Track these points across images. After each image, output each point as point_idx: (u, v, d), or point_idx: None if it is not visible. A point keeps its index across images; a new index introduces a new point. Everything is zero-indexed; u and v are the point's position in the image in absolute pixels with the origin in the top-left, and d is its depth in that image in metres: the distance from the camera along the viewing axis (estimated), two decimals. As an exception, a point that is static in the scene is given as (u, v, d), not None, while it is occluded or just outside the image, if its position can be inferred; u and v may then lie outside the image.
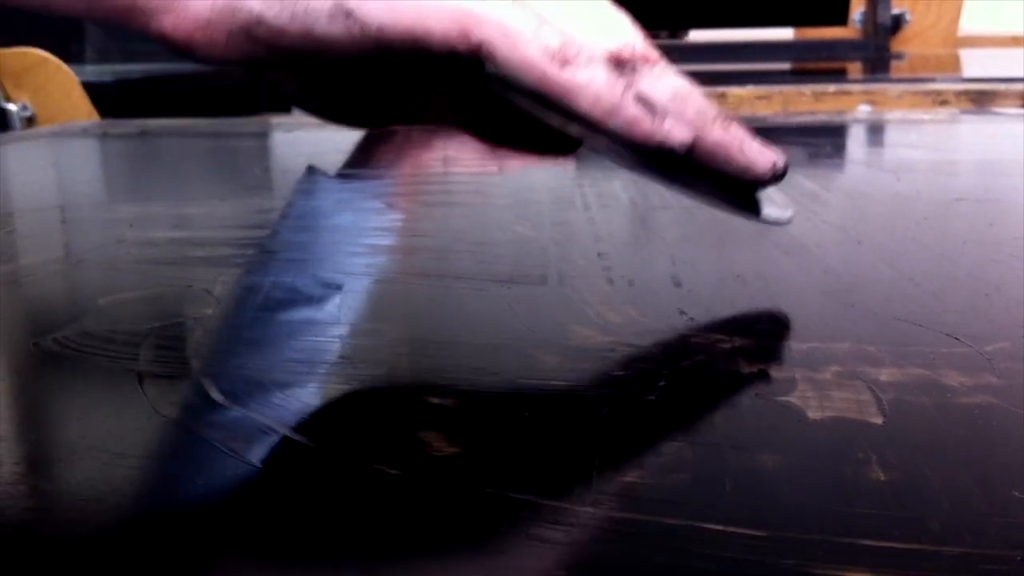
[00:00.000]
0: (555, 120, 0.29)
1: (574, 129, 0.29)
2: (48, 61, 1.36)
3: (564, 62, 0.28)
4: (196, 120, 0.90)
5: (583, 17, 0.30)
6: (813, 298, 0.31)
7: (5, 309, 0.33)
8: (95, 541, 0.18)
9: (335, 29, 0.27)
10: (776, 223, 0.32)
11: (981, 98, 0.98)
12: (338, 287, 0.34)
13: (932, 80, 1.06)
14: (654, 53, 0.30)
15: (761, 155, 0.30)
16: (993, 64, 1.49)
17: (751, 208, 0.31)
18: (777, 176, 0.30)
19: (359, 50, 0.28)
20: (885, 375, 0.24)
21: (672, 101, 0.29)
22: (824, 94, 0.99)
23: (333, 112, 0.33)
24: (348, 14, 0.27)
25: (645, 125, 0.29)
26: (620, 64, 0.29)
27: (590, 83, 0.28)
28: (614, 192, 0.50)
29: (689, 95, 0.30)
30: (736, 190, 0.31)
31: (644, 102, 0.29)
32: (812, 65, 1.53)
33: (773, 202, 0.32)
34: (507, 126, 0.32)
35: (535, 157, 0.34)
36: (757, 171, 0.30)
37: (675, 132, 0.29)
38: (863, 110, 0.97)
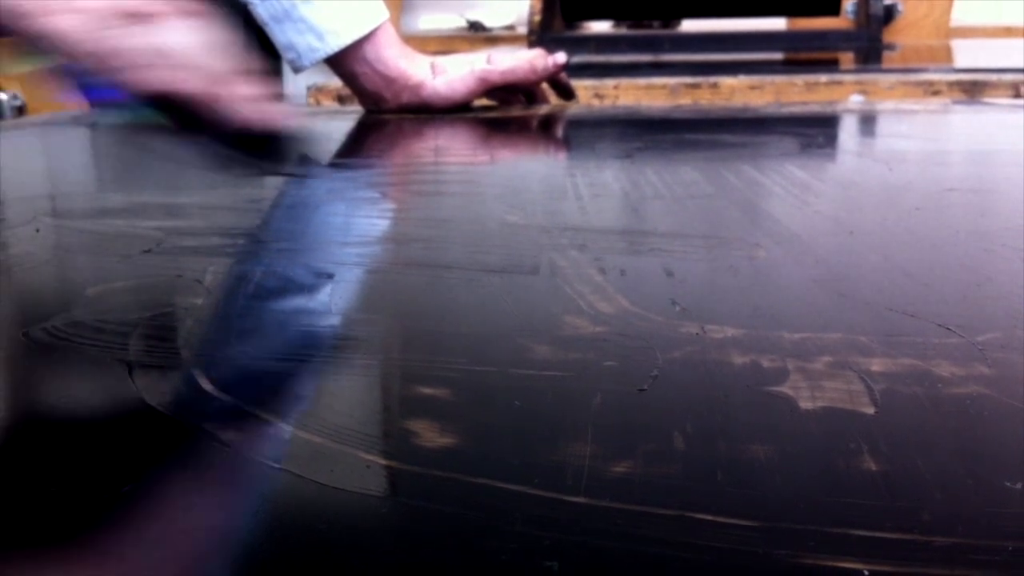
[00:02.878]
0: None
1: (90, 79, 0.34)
2: (38, 50, 1.35)
3: (44, 12, 0.33)
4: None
5: None
6: (805, 288, 0.31)
7: (-6, 299, 0.33)
8: (85, 533, 0.18)
9: None
10: (296, 175, 0.35)
11: (973, 88, 0.98)
12: (329, 277, 0.34)
13: (924, 70, 1.06)
14: (163, 10, 0.35)
15: (255, 111, 0.34)
16: (985, 55, 1.49)
17: (267, 161, 0.35)
18: (278, 134, 0.35)
19: None
20: (877, 365, 0.24)
21: (179, 54, 0.34)
22: (816, 84, 0.99)
23: None
24: None
25: (131, 72, 0.33)
26: (129, 17, 0.33)
27: (71, 28, 0.33)
28: (606, 182, 0.50)
29: (201, 52, 0.35)
30: (253, 145, 0.34)
31: (148, 52, 0.33)
32: (804, 55, 1.53)
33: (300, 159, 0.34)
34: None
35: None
36: (250, 123, 0.34)
37: (167, 79, 0.33)
38: (855, 100, 0.97)
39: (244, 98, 0.34)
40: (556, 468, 0.19)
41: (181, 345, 0.27)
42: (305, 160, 0.35)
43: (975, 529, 0.17)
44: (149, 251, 0.37)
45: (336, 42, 0.78)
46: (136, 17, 0.34)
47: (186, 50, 0.34)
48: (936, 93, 0.98)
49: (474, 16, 2.59)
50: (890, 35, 1.75)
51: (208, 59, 0.34)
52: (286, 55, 0.80)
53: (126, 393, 0.24)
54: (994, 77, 0.98)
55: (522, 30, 1.89)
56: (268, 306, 0.31)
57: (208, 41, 0.35)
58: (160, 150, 0.36)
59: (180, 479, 0.20)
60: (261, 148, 0.34)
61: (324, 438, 0.21)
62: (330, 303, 0.31)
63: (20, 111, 1.35)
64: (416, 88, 0.81)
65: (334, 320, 0.29)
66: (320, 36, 0.78)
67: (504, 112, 0.84)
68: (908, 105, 0.84)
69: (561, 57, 0.86)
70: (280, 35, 0.79)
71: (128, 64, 0.33)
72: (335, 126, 0.78)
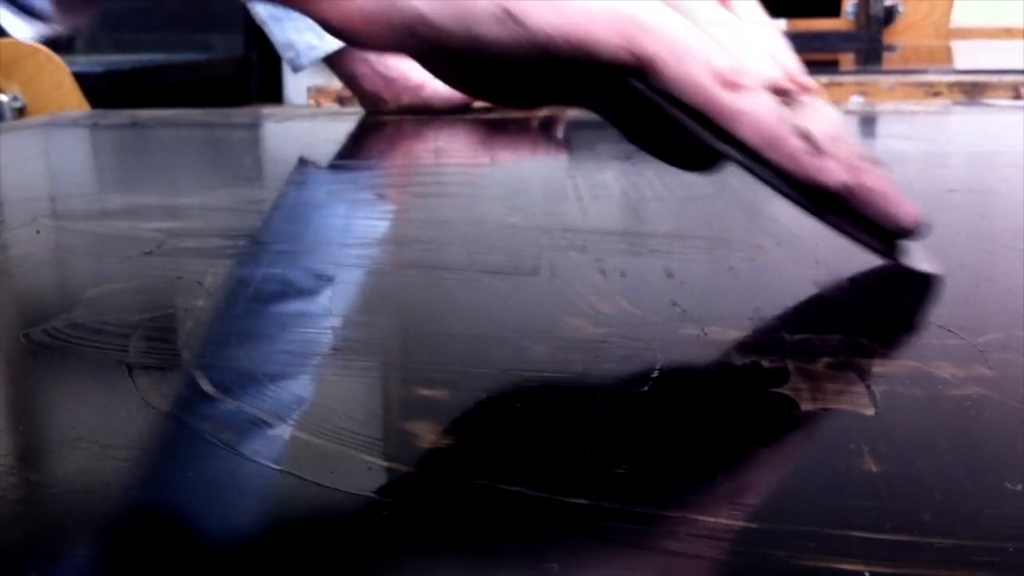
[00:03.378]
0: (711, 140, 0.29)
1: (728, 151, 0.29)
2: (39, 51, 1.36)
3: (730, 86, 0.28)
4: (187, 110, 0.90)
5: (747, 40, 0.30)
6: (805, 289, 0.31)
7: (-6, 300, 0.33)
8: (85, 533, 0.18)
9: (499, 33, 0.27)
10: (924, 272, 0.32)
11: (973, 90, 0.98)
12: (329, 278, 0.34)
13: (924, 72, 1.06)
14: (812, 83, 0.30)
15: (907, 208, 0.30)
16: (985, 56, 1.49)
17: (889, 251, 0.32)
18: (918, 231, 0.30)
19: (522, 54, 0.27)
20: (877, 366, 0.24)
21: (831, 140, 0.29)
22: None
23: (489, 95, 0.33)
24: (514, 19, 0.27)
25: (806, 161, 0.28)
26: (782, 93, 0.29)
27: (755, 110, 0.28)
28: (606, 183, 0.50)
29: (844, 135, 0.30)
30: (876, 232, 0.31)
31: (804, 136, 0.29)
32: (805, 56, 1.53)
33: (918, 256, 0.32)
34: (652, 131, 0.32)
35: (674, 167, 0.34)
36: (901, 223, 0.30)
37: (834, 172, 0.29)
38: (855, 101, 0.97)
39: (882, 189, 0.30)
40: (556, 469, 0.19)
41: (182, 347, 0.27)
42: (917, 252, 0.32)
43: (975, 530, 0.17)
44: (149, 253, 0.37)
45: (335, 41, 0.79)
46: (789, 96, 0.30)
47: (835, 134, 0.30)
48: (936, 94, 0.98)
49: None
50: (890, 36, 1.76)
51: (850, 144, 0.30)
52: (285, 54, 0.80)
53: (126, 395, 0.24)
54: (994, 78, 0.98)
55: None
56: (268, 308, 0.31)
57: (840, 121, 0.31)
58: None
59: (180, 481, 0.20)
60: (883, 234, 0.31)
61: (324, 439, 0.21)
62: (330, 305, 0.31)
63: (20, 112, 1.36)
64: (416, 89, 0.81)
65: (334, 322, 0.29)
66: (319, 34, 0.78)
67: (504, 113, 0.84)
68: (908, 106, 0.84)
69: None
70: (279, 33, 0.79)
71: (791, 153, 0.29)
72: (335, 127, 0.78)
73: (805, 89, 0.30)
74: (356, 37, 0.29)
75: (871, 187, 0.29)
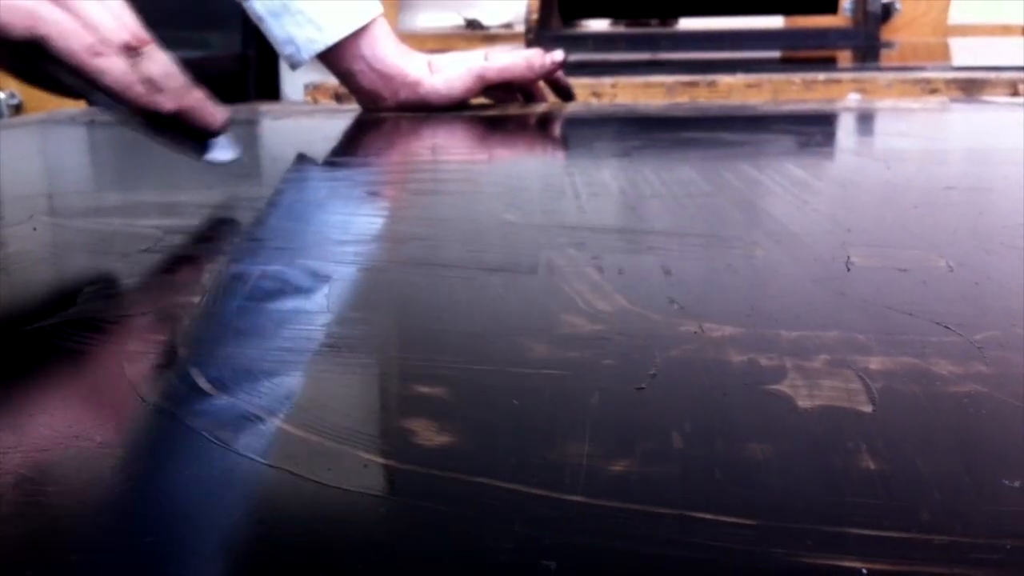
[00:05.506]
0: (86, 89, 0.45)
1: (98, 96, 0.45)
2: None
3: (95, 54, 0.43)
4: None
5: (104, 12, 0.44)
6: (803, 287, 0.31)
7: (-9, 298, 0.33)
8: (81, 531, 0.18)
9: None
10: (219, 163, 0.50)
11: (971, 87, 0.98)
12: (327, 275, 0.34)
13: (922, 69, 1.06)
14: (148, 37, 0.46)
15: (216, 115, 0.48)
16: (983, 53, 1.49)
17: (202, 151, 0.49)
18: (225, 128, 0.49)
19: None
20: (875, 364, 0.24)
21: (164, 77, 0.46)
22: (814, 82, 0.99)
23: None
24: None
25: (147, 98, 0.45)
26: (131, 50, 0.44)
27: (112, 69, 0.44)
28: (604, 181, 0.50)
29: (174, 73, 0.46)
30: (195, 136, 0.49)
31: (146, 80, 0.45)
32: (802, 54, 1.53)
33: (222, 148, 0.50)
34: (45, 76, 0.47)
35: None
36: (213, 126, 0.48)
37: (166, 103, 0.46)
38: (853, 99, 0.97)
39: (200, 107, 0.47)
40: (554, 467, 0.19)
41: (178, 344, 0.27)
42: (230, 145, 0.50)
43: (973, 527, 0.17)
44: (146, 250, 0.37)
45: (335, 33, 0.78)
46: (136, 51, 0.45)
47: (166, 73, 0.46)
48: (934, 91, 0.98)
49: (472, 14, 2.59)
50: (888, 33, 1.76)
51: (177, 80, 0.46)
52: (284, 50, 0.80)
53: (123, 391, 0.24)
54: (992, 75, 0.98)
55: (520, 28, 1.89)
56: (265, 305, 0.31)
57: (172, 63, 0.47)
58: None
59: (177, 477, 0.20)
60: (202, 138, 0.49)
61: (322, 437, 0.21)
62: (327, 302, 0.31)
63: (17, 109, 1.35)
64: (414, 86, 0.81)
65: (331, 319, 0.29)
66: (319, 27, 0.78)
67: (502, 110, 0.84)
68: (906, 103, 0.84)
69: (559, 55, 0.86)
70: (278, 30, 0.79)
71: (136, 95, 0.45)
72: (332, 125, 0.78)
73: (145, 43, 0.45)
74: None
75: (192, 106, 0.47)
